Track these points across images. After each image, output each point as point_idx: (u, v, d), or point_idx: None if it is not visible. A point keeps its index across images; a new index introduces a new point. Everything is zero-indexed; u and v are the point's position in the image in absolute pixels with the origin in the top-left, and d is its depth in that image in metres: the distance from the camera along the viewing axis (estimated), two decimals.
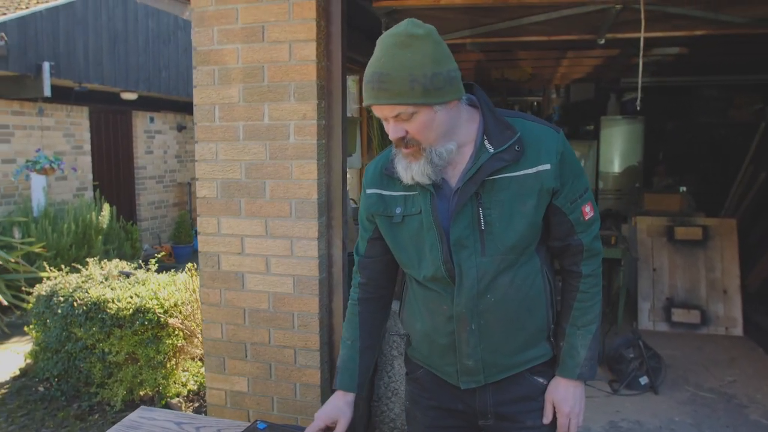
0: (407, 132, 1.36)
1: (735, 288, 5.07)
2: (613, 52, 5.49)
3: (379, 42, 1.37)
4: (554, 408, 1.57)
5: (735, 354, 4.60)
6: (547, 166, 1.43)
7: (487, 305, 1.47)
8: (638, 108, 3.07)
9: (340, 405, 1.62)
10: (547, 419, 1.57)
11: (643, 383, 3.93)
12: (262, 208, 2.72)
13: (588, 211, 1.51)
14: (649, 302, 5.19)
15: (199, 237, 2.85)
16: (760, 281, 5.76)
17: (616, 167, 8.05)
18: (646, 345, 4.06)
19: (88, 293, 3.84)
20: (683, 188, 6.29)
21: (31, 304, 4.20)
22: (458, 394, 1.60)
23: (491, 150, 1.42)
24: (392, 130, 1.37)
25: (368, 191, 1.61)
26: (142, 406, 1.93)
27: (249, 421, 1.79)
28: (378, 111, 1.37)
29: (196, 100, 2.76)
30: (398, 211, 1.53)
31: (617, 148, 8.01)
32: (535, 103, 8.77)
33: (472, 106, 1.50)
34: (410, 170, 1.41)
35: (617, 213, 7.26)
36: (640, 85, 3.03)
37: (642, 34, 2.76)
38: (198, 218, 2.84)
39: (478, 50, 5.32)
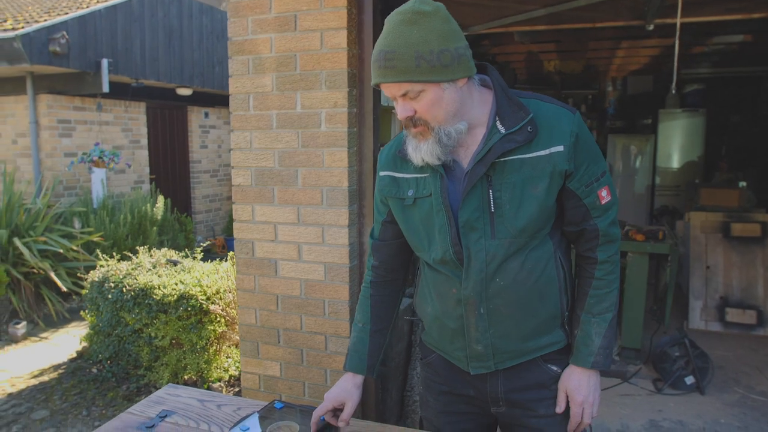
0: (415, 111, 1.35)
1: None
2: (669, 41, 5.28)
3: (386, 20, 1.36)
4: (567, 397, 1.53)
5: None
6: (560, 148, 1.39)
7: (496, 289, 1.44)
8: (673, 92, 2.93)
9: (348, 387, 1.62)
10: (559, 408, 1.53)
11: (688, 383, 3.78)
12: (294, 195, 2.76)
13: (605, 195, 1.46)
14: (701, 301, 4.97)
15: (234, 224, 2.91)
16: None
17: (675, 162, 7.75)
18: (693, 344, 3.90)
19: (137, 280, 3.99)
20: (743, 183, 6.00)
21: (86, 290, 4.40)
22: (470, 380, 1.58)
23: (503, 131, 1.39)
24: (400, 110, 1.36)
25: (381, 173, 1.62)
26: (170, 384, 2.00)
27: (262, 402, 1.82)
28: (386, 90, 1.36)
29: (231, 90, 2.82)
30: (410, 193, 1.52)
31: (676, 142, 7.70)
32: (590, 97, 8.51)
33: (486, 87, 1.48)
34: (419, 150, 1.40)
35: (674, 210, 7.00)
36: (675, 71, 2.90)
37: (678, 20, 2.63)
38: (233, 206, 2.90)
39: (527, 41, 5.21)
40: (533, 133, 1.39)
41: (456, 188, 1.45)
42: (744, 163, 7.80)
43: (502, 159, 1.39)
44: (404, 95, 1.34)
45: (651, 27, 3.80)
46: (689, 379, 3.78)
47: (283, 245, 2.81)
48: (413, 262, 1.76)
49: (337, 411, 1.60)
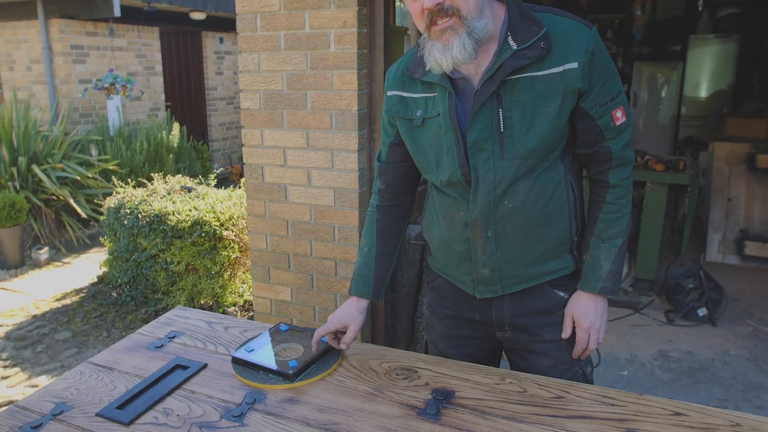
0: None
1: None
2: None
3: None
4: (573, 322, 1.52)
5: None
6: (575, 65, 1.32)
7: (504, 212, 1.41)
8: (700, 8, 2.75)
9: (351, 311, 1.63)
10: (565, 334, 1.52)
11: (701, 315, 3.77)
12: (303, 119, 2.70)
13: (619, 116, 1.40)
14: (720, 233, 4.90)
15: (243, 149, 2.88)
16: None
17: (703, 92, 7.46)
18: (708, 276, 3.86)
19: (152, 206, 4.02)
20: None
21: (104, 217, 4.46)
22: (475, 304, 1.57)
23: (514, 47, 1.32)
24: None
25: (389, 93, 1.56)
26: (179, 306, 2.03)
27: (268, 324, 1.85)
28: None
29: (237, 9, 2.72)
30: (419, 113, 1.47)
31: (706, 70, 7.38)
32: (617, 22, 8.15)
33: (498, 0, 1.40)
34: (449, 50, 1.30)
35: (698, 141, 6.80)
36: None
37: None
38: (242, 130, 2.86)
39: None
40: (546, 48, 1.32)
41: (465, 108, 1.40)
42: None
43: (513, 76, 1.33)
44: None
45: None
46: (702, 311, 3.77)
47: (292, 170, 2.78)
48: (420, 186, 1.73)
49: (339, 334, 1.62)
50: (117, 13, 6.48)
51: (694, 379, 3.16)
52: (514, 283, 1.49)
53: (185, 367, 1.55)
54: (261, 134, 2.81)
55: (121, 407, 1.37)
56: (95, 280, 4.84)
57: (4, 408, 2.04)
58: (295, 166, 2.77)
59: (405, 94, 1.51)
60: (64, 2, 6.70)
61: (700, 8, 6.53)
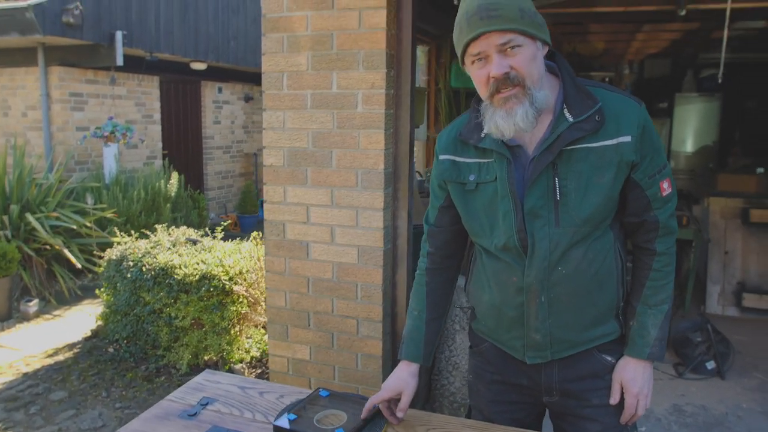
0: (511, 68, 1.33)
1: None
2: (693, 26, 5.21)
3: None
4: (621, 388, 1.53)
5: None
6: (628, 138, 1.38)
7: (558, 278, 1.43)
8: (720, 81, 2.88)
9: (404, 377, 1.61)
10: (614, 399, 1.53)
11: (709, 368, 3.80)
12: (328, 177, 2.72)
13: (666, 187, 1.47)
14: (719, 286, 4.98)
15: (264, 205, 2.88)
16: None
17: (689, 147, 7.70)
18: (715, 329, 3.92)
19: (156, 259, 3.96)
20: (761, 169, 5.95)
21: (102, 268, 4.37)
22: (524, 369, 1.58)
23: (570, 119, 1.38)
24: (496, 65, 1.33)
25: (441, 157, 1.59)
26: (208, 370, 1.98)
27: (310, 389, 1.80)
28: (485, 42, 1.33)
29: (264, 68, 2.76)
30: (472, 178, 1.51)
31: (691, 126, 7.64)
32: (606, 79, 8.45)
33: (552, 73, 1.47)
34: (512, 117, 1.34)
35: (689, 194, 6.95)
36: (723, 58, 2.85)
37: (729, 5, 2.57)
38: (264, 186, 2.86)
39: (550, 23, 5.13)
40: (600, 122, 1.38)
41: (520, 175, 1.44)
42: (758, 149, 7.75)
43: (569, 147, 1.38)
44: (504, 46, 1.32)
45: (683, 12, 3.74)
46: (710, 364, 3.80)
47: (315, 227, 2.78)
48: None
49: (391, 401, 1.59)
50: (120, 62, 6.53)
51: None
52: (564, 348, 1.50)
53: None
54: (284, 191, 2.82)
55: None
56: (89, 334, 4.68)
57: None
58: (319, 223, 2.77)
59: (458, 159, 1.54)
60: (65, 50, 6.74)
61: (687, 72, 6.81)
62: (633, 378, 1.51)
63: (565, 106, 1.40)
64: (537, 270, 1.43)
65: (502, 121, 1.36)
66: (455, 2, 3.15)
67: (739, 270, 4.98)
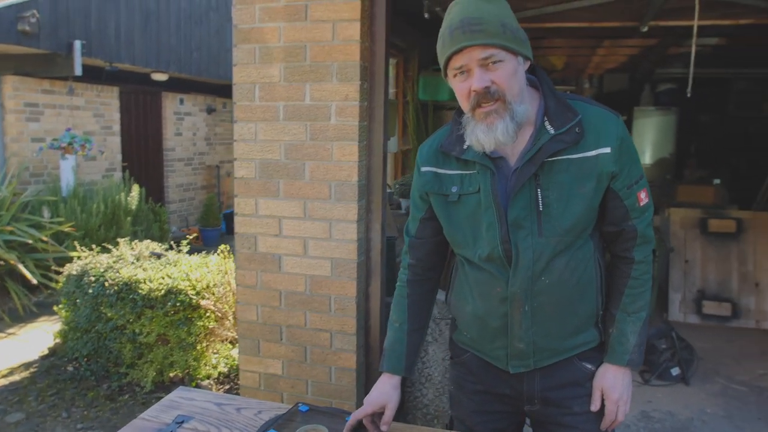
0: (493, 82, 1.34)
1: (767, 281, 4.98)
2: (652, 42, 5.38)
3: (456, 2, 1.38)
4: (602, 395, 1.56)
5: (766, 347, 4.54)
6: (607, 150, 1.42)
7: (541, 287, 1.46)
8: (689, 95, 2.98)
9: (386, 390, 1.61)
10: (595, 406, 1.56)
11: (674, 374, 3.90)
12: (301, 189, 2.69)
13: (643, 197, 1.50)
14: (680, 294, 5.12)
15: (236, 218, 2.83)
16: None
17: (648, 158, 7.93)
18: (679, 336, 4.03)
19: (120, 273, 3.85)
20: (717, 180, 6.17)
21: (60, 284, 4.22)
22: (506, 379, 1.59)
23: (552, 131, 1.41)
24: (477, 79, 1.35)
25: (423, 169, 1.60)
26: (181, 387, 1.93)
27: (282, 403, 1.77)
28: (467, 55, 1.35)
29: (235, 79, 2.72)
30: (454, 189, 1.52)
31: (649, 139, 7.88)
32: (567, 93, 8.67)
33: (533, 87, 1.50)
34: (493, 131, 1.36)
35: None
36: (691, 74, 2.94)
37: (696, 22, 2.67)
38: (235, 199, 2.81)
39: None
40: (581, 134, 1.41)
41: (502, 186, 1.45)
42: (713, 161, 8.03)
43: (550, 159, 1.41)
44: (485, 60, 1.33)
45: (645, 29, 3.85)
46: (675, 370, 3.90)
47: (288, 240, 2.74)
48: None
49: (374, 415, 1.58)
50: (78, 72, 6.36)
51: None
52: (546, 356, 1.52)
53: None
54: (256, 203, 2.77)
55: None
56: (47, 352, 4.51)
57: None
58: (291, 235, 2.73)
59: (440, 171, 1.55)
60: (21, 59, 6.53)
61: (645, 87, 7.02)
62: (613, 384, 1.53)
63: (545, 118, 1.43)
64: (521, 280, 1.45)
65: (483, 135, 1.38)
66: (426, 16, 3.19)
67: (699, 278, 5.13)
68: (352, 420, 1.54)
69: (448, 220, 1.55)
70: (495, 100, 1.35)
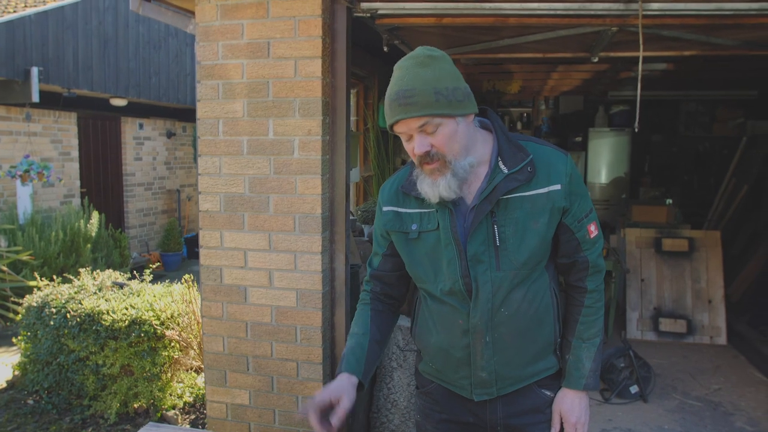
0: (432, 145, 1.43)
1: (719, 298, 5.17)
2: (603, 67, 5.59)
3: (398, 67, 1.45)
4: (561, 418, 1.64)
5: (719, 362, 4.70)
6: (558, 187, 1.52)
7: (501, 318, 1.53)
8: (636, 130, 3.14)
9: (344, 384, 1.55)
10: (555, 430, 1.64)
11: (633, 392, 4.00)
12: (265, 222, 2.73)
13: (593, 229, 1.60)
14: (637, 312, 5.27)
15: (201, 250, 2.85)
16: (742, 291, 5.87)
17: (604, 178, 8.17)
18: (637, 355, 4.13)
19: (82, 304, 3.80)
20: (669, 200, 6.40)
21: (20, 315, 4.13)
22: (470, 407, 1.65)
23: (505, 171, 1.50)
24: (418, 145, 1.43)
25: (385, 209, 1.67)
26: (150, 423, 1.94)
27: None
28: (404, 125, 1.43)
29: (199, 114, 2.76)
30: (414, 227, 1.59)
31: (605, 159, 8.13)
32: (525, 114, 8.87)
33: (486, 129, 1.59)
34: (437, 187, 1.46)
35: (605, 223, 7.35)
36: (638, 102, 3.10)
37: (641, 53, 2.83)
38: (200, 232, 2.84)
39: (472, 64, 5.39)
40: (533, 172, 1.51)
41: (460, 223, 1.53)
42: (666, 180, 8.32)
43: (505, 196, 1.50)
44: (422, 128, 1.41)
45: (596, 59, 4.03)
46: (633, 388, 4.01)
47: (253, 272, 2.78)
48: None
49: (325, 412, 1.49)
50: (36, 98, 6.27)
51: None
52: (508, 384, 1.60)
53: None
54: (221, 236, 2.80)
55: None
56: (5, 385, 4.40)
57: None
58: (257, 267, 2.77)
59: (400, 210, 1.63)
60: None
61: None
62: (571, 408, 1.62)
63: (499, 158, 1.52)
64: (481, 312, 1.52)
65: (428, 188, 1.48)
66: (385, 49, 3.28)
67: (655, 296, 5.29)
68: (310, 409, 1.46)
69: (409, 256, 1.63)
70: (436, 161, 1.45)
